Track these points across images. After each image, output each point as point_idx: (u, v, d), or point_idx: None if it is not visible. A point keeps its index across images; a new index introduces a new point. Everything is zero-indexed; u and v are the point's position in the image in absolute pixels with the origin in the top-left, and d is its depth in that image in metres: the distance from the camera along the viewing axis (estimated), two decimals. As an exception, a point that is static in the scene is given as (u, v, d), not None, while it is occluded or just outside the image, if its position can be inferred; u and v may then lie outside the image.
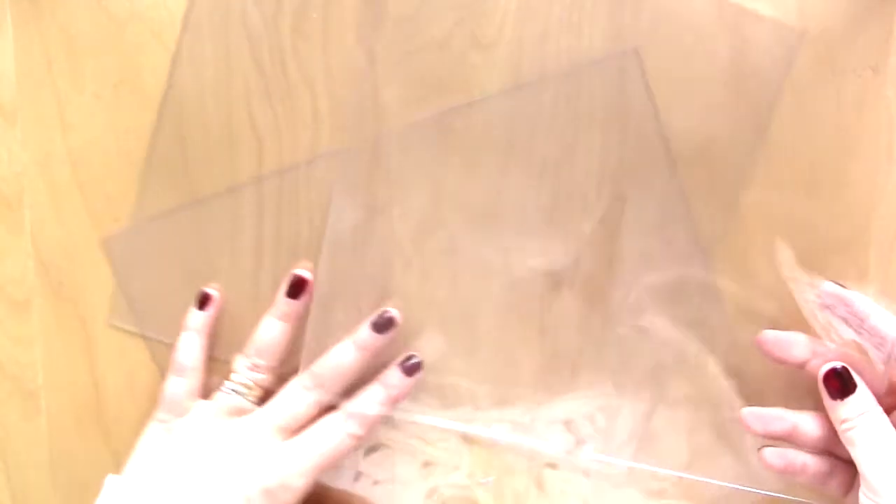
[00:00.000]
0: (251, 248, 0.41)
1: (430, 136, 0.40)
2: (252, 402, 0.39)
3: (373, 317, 0.39)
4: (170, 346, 0.41)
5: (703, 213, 0.39)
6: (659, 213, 0.39)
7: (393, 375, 0.39)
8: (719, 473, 0.40)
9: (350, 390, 0.39)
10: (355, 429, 0.38)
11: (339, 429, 0.38)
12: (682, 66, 0.38)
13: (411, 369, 0.39)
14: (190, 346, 0.40)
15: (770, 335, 0.38)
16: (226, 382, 0.40)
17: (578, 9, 0.38)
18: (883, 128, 0.38)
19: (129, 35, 0.40)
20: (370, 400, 0.39)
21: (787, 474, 0.37)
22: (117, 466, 0.43)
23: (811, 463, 0.37)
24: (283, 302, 0.40)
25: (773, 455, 0.37)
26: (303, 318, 0.40)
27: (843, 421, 0.35)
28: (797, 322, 0.39)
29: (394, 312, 0.39)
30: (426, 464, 0.42)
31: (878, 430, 0.34)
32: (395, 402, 0.39)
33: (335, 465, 0.38)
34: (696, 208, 0.39)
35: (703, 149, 0.39)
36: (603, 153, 0.39)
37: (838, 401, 0.35)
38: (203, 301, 0.41)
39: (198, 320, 0.41)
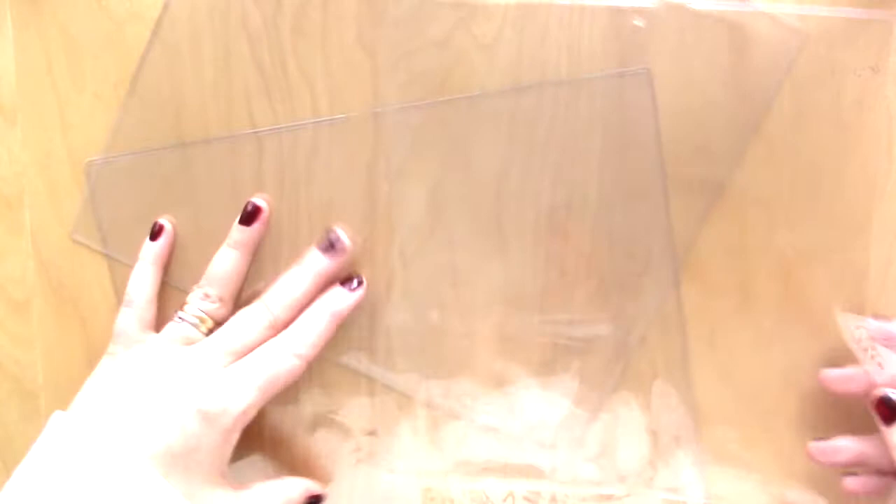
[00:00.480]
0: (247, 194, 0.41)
1: (431, 134, 0.40)
2: (203, 333, 0.39)
3: (319, 239, 0.39)
4: (130, 270, 0.41)
5: (693, 215, 0.39)
6: (644, 224, 0.39)
7: (335, 292, 0.39)
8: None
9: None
10: (299, 348, 0.37)
11: (282, 349, 0.37)
12: (682, 65, 0.38)
13: (354, 287, 0.39)
14: (141, 278, 0.40)
15: (831, 374, 0.39)
16: (178, 313, 0.39)
17: (578, 8, 0.38)
18: (883, 128, 0.38)
19: (129, 35, 0.40)
20: (310, 318, 0.38)
21: (872, 496, 0.38)
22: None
23: (885, 483, 0.38)
24: (236, 229, 0.40)
25: (853, 483, 0.38)
26: (256, 247, 0.40)
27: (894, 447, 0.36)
28: (793, 323, 0.39)
29: (340, 233, 0.39)
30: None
31: None
32: (336, 318, 0.39)
33: (281, 386, 0.37)
34: (689, 211, 0.39)
35: (700, 148, 0.39)
36: (601, 158, 0.39)
37: (890, 427, 0.36)
38: (156, 232, 0.40)
39: (150, 251, 0.40)
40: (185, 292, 0.41)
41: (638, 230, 0.39)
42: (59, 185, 0.42)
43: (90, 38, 0.41)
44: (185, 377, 0.36)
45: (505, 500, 0.42)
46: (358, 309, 0.40)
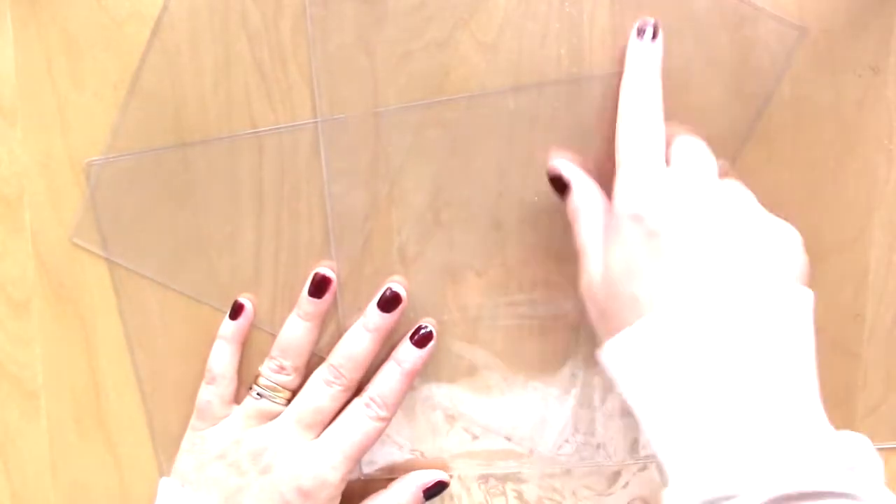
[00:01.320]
0: (250, 202, 0.41)
1: (431, 134, 0.40)
2: (281, 404, 0.39)
3: (377, 296, 0.39)
4: (130, 272, 0.41)
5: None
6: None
7: (405, 350, 0.39)
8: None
9: (372, 371, 0.39)
10: (379, 411, 0.38)
11: (362, 415, 0.38)
12: (682, 65, 0.38)
13: (422, 341, 0.39)
14: (221, 355, 0.40)
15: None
16: (253, 387, 0.40)
17: (578, 8, 0.38)
18: (883, 128, 0.38)
19: (128, 35, 0.40)
20: (386, 379, 0.39)
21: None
22: (117, 466, 0.43)
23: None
24: (306, 301, 0.40)
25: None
26: (327, 317, 0.40)
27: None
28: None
29: (397, 288, 0.39)
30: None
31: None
32: (411, 376, 0.39)
33: (368, 448, 0.38)
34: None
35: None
36: (601, 158, 0.39)
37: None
38: (236, 311, 0.41)
39: (229, 329, 0.41)
40: (183, 294, 0.41)
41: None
42: (59, 186, 0.42)
43: (90, 38, 0.41)
44: (278, 460, 0.38)
45: (504, 499, 0.42)
46: (356, 310, 0.40)
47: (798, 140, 0.39)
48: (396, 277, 0.40)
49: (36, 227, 0.42)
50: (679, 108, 0.38)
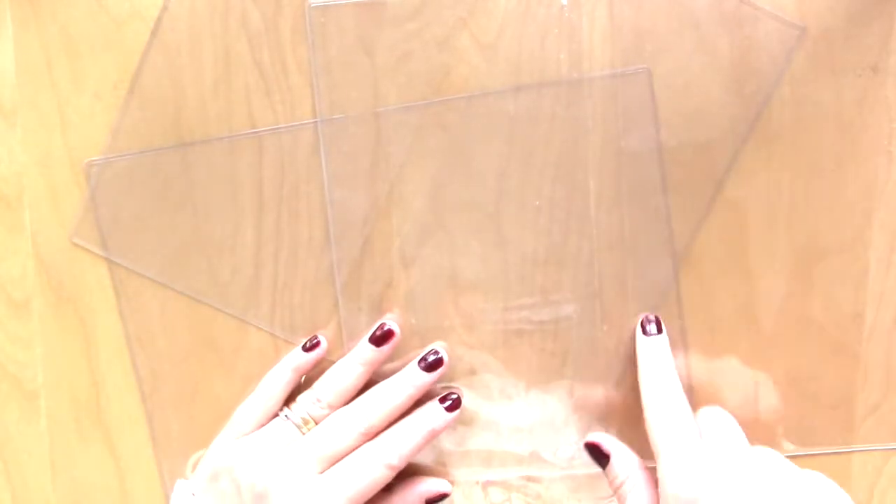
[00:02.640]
0: (250, 202, 0.41)
1: (431, 134, 0.40)
2: (304, 433, 0.39)
3: (421, 357, 0.40)
4: (130, 272, 0.41)
5: (693, 215, 0.39)
6: (644, 224, 0.39)
7: (434, 409, 0.39)
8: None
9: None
10: (392, 459, 0.38)
11: (375, 458, 0.38)
12: (682, 65, 0.38)
13: (452, 405, 0.39)
14: (278, 380, 0.40)
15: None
16: (285, 410, 0.40)
17: (577, 8, 0.38)
18: (883, 128, 0.38)
19: (129, 35, 0.40)
20: (410, 433, 0.38)
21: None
22: (117, 466, 0.43)
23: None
24: (367, 348, 0.40)
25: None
26: (380, 366, 0.40)
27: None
28: (796, 323, 0.39)
29: (441, 352, 0.40)
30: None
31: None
32: (432, 436, 0.39)
33: (370, 495, 0.38)
34: (688, 210, 0.39)
35: (700, 148, 0.39)
36: (601, 158, 0.39)
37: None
38: (313, 345, 0.41)
39: (297, 359, 0.41)
40: (183, 294, 0.41)
41: (638, 230, 0.39)
42: (59, 185, 0.42)
43: (90, 38, 0.41)
44: (284, 486, 0.37)
45: None
46: (356, 310, 0.40)
47: (798, 140, 0.39)
48: (390, 315, 0.41)
49: (36, 227, 0.42)
50: (679, 108, 0.39)
